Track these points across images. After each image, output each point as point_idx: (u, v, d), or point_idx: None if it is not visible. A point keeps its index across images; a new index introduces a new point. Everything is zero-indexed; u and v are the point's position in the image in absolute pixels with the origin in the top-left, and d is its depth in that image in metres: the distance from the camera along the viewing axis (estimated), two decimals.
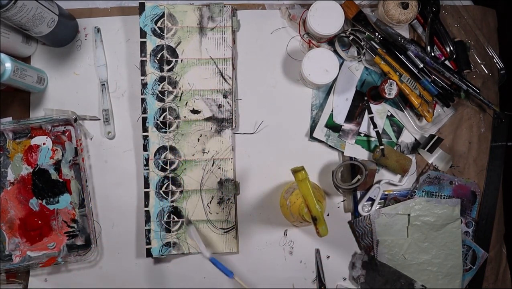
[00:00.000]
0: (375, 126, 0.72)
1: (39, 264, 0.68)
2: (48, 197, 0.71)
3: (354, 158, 0.74)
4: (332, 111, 0.74)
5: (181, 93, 0.72)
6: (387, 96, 0.68)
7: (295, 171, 0.56)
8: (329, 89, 0.75)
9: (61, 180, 0.71)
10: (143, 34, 0.72)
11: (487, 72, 0.77)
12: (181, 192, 0.72)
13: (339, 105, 0.74)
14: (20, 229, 0.71)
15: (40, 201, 0.71)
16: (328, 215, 0.74)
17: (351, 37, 0.72)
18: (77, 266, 0.72)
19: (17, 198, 0.71)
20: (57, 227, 0.71)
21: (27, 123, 0.70)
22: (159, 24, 0.72)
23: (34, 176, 0.71)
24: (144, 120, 0.72)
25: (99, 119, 0.74)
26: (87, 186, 0.70)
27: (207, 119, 0.72)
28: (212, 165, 0.72)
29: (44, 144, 0.71)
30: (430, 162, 0.75)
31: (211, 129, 0.72)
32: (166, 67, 0.72)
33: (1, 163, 0.71)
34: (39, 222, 0.71)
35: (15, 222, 0.71)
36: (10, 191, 0.71)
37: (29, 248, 0.70)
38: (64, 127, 0.72)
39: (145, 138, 0.72)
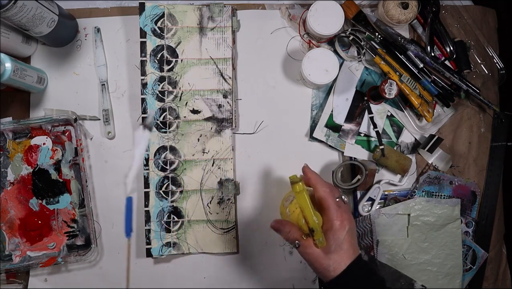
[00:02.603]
0: (375, 126, 0.72)
1: (39, 264, 0.68)
2: (48, 197, 0.71)
3: (354, 158, 0.74)
4: (332, 111, 0.74)
5: (181, 93, 0.72)
6: (387, 96, 0.68)
7: (292, 182, 0.55)
8: (329, 89, 0.75)
9: (61, 180, 0.71)
10: (143, 34, 0.72)
11: (487, 72, 0.77)
12: (181, 192, 0.72)
13: (339, 105, 0.74)
14: (20, 229, 0.71)
15: (40, 201, 0.71)
16: None
17: (351, 37, 0.72)
18: (77, 266, 0.72)
19: (17, 198, 0.71)
20: (57, 227, 0.71)
21: (27, 123, 0.70)
22: (159, 24, 0.72)
23: (34, 176, 0.71)
24: (144, 120, 0.72)
25: (99, 119, 0.74)
26: (87, 186, 0.70)
27: (207, 119, 0.72)
28: (212, 165, 0.72)
29: (44, 144, 0.71)
30: (430, 162, 0.75)
31: (211, 129, 0.72)
32: (166, 67, 0.72)
33: (1, 163, 0.71)
34: (39, 222, 0.71)
35: (15, 222, 0.71)
36: (10, 191, 0.71)
37: (29, 248, 0.70)
38: (64, 127, 0.72)
39: None
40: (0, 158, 0.71)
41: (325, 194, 0.55)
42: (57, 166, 0.71)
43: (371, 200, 0.73)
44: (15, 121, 0.70)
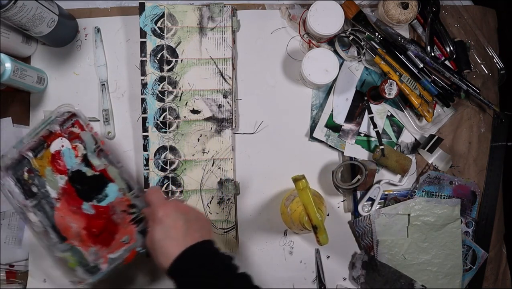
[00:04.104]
0: (375, 126, 0.72)
1: (123, 261, 0.66)
2: (95, 195, 0.69)
3: (354, 158, 0.74)
4: (332, 111, 0.74)
5: (181, 93, 0.72)
6: (387, 96, 0.68)
7: (296, 180, 0.56)
8: (329, 89, 0.75)
9: (97, 172, 0.69)
10: (143, 34, 0.72)
11: (487, 72, 0.77)
12: (181, 192, 0.72)
13: (339, 105, 0.74)
14: (90, 238, 0.68)
15: (91, 203, 0.69)
16: (328, 215, 0.74)
17: (351, 37, 0.72)
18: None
19: (70, 210, 0.69)
20: (121, 220, 0.69)
21: (35, 133, 0.68)
22: (159, 24, 0.72)
23: (71, 182, 0.69)
24: (144, 120, 0.72)
25: (98, 120, 0.74)
26: (121, 166, 0.68)
27: (207, 119, 0.72)
28: (212, 165, 0.72)
29: (63, 146, 0.69)
30: (430, 162, 0.75)
31: (211, 129, 0.72)
32: (166, 67, 0.72)
33: (38, 184, 0.69)
34: (102, 222, 0.69)
35: (82, 233, 0.68)
36: (61, 207, 0.69)
37: (107, 251, 0.68)
38: (72, 120, 0.70)
39: (145, 138, 0.72)
40: (34, 181, 0.69)
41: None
42: (86, 161, 0.69)
43: (371, 200, 0.73)
44: (23, 139, 0.67)
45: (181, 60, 0.72)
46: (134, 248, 0.66)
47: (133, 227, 0.68)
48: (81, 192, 0.69)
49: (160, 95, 0.72)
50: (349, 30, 0.73)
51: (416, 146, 0.75)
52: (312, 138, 0.74)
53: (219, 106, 0.72)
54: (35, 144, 0.69)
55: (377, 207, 0.73)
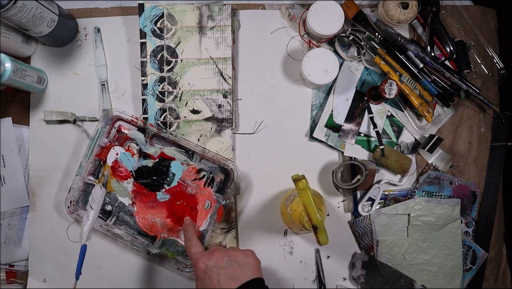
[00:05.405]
0: (375, 126, 0.72)
1: (215, 223, 0.68)
2: (164, 180, 0.70)
3: (354, 158, 0.74)
4: (332, 111, 0.74)
5: (181, 93, 0.72)
6: (387, 96, 0.68)
7: (296, 180, 0.56)
8: (329, 89, 0.75)
9: (156, 160, 0.70)
10: (143, 35, 0.72)
11: (487, 72, 0.77)
12: None
13: (339, 105, 0.74)
14: (176, 223, 0.69)
15: (163, 190, 0.70)
16: (328, 215, 0.74)
17: (351, 37, 0.72)
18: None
19: (147, 206, 0.70)
20: (195, 189, 0.69)
21: (89, 157, 0.68)
22: (158, 24, 0.72)
23: (137, 180, 0.70)
24: (145, 120, 0.72)
25: (98, 120, 0.74)
26: (175, 135, 0.69)
27: (207, 119, 0.72)
28: None
29: (117, 154, 0.70)
30: (430, 162, 0.75)
31: (211, 129, 0.72)
32: (166, 68, 0.72)
33: (110, 201, 0.70)
34: (181, 202, 0.69)
35: (167, 222, 0.69)
36: (138, 210, 0.70)
37: (197, 226, 0.69)
38: (115, 127, 0.71)
39: None
40: (105, 200, 0.68)
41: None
42: (143, 155, 0.70)
43: (371, 200, 0.73)
44: (81, 163, 0.68)
45: (181, 60, 0.72)
46: (220, 206, 0.68)
47: (209, 189, 0.69)
48: (150, 185, 0.70)
49: (160, 95, 0.72)
50: (349, 30, 0.73)
51: (416, 146, 0.75)
52: (312, 138, 0.74)
53: (219, 106, 0.72)
54: (92, 167, 0.70)
55: (377, 207, 0.73)
